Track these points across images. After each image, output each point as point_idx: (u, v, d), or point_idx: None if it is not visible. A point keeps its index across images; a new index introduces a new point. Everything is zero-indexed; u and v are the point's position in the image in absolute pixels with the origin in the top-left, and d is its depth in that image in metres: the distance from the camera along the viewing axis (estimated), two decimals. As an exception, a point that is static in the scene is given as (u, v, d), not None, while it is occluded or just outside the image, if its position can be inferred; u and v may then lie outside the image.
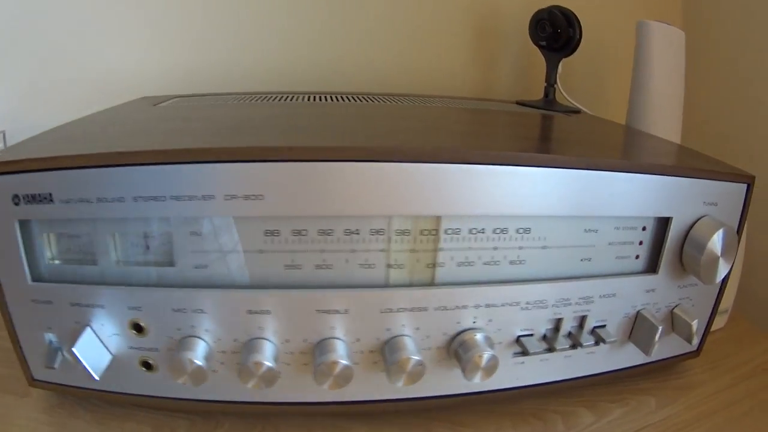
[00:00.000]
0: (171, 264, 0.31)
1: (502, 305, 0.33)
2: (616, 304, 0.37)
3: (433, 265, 0.32)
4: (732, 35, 0.76)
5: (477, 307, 0.33)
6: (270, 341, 0.31)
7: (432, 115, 0.46)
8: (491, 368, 0.32)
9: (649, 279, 0.37)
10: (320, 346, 0.31)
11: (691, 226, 0.37)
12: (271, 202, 0.29)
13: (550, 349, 0.35)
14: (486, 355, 0.32)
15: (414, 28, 0.69)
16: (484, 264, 0.33)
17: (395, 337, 0.32)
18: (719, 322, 0.53)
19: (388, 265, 0.31)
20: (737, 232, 0.41)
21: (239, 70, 0.63)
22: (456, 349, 0.33)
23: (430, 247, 0.31)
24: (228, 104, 0.47)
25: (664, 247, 0.37)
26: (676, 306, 0.40)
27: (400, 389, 0.32)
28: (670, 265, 0.38)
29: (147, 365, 0.33)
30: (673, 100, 0.59)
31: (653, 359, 0.42)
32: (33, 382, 0.34)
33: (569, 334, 0.36)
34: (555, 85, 0.63)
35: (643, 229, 0.37)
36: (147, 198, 0.29)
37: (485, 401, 0.36)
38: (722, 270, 0.38)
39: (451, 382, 0.34)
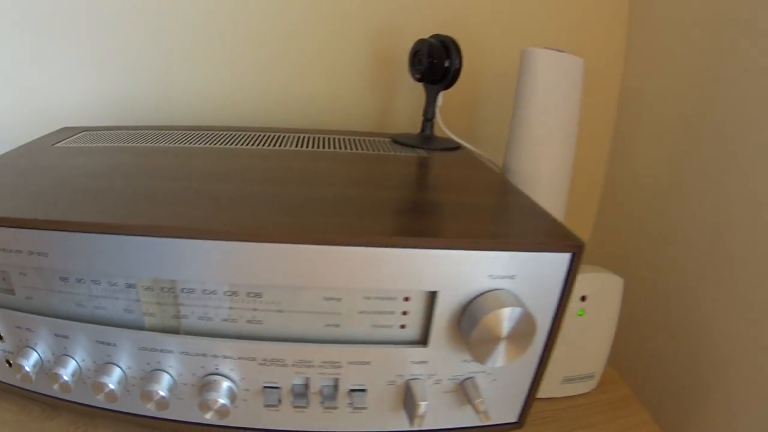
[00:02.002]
0: (12, 293, 0.41)
1: (240, 359, 0.37)
2: (375, 372, 0.37)
3: (178, 317, 0.37)
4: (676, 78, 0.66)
5: (216, 356, 0.37)
6: (74, 359, 0.40)
7: (247, 164, 0.48)
8: (222, 413, 0.36)
9: (419, 351, 0.37)
10: (101, 369, 0.39)
11: (474, 299, 0.36)
12: (53, 259, 0.36)
13: (294, 404, 0.38)
14: (220, 401, 0.36)
15: (310, 59, 0.69)
16: (222, 320, 0.37)
17: (154, 370, 0.38)
18: (584, 387, 0.48)
19: (143, 313, 0.38)
20: (560, 304, 0.38)
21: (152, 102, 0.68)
22: (201, 387, 0.38)
23: (171, 301, 0.37)
24: (109, 148, 0.53)
25: (432, 320, 0.36)
26: (466, 379, 0.39)
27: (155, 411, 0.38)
28: (448, 339, 0.37)
29: (9, 363, 0.44)
30: (560, 135, 0.52)
31: (458, 426, 0.41)
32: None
33: (321, 392, 0.38)
34: (433, 120, 0.59)
35: (406, 299, 0.37)
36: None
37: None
38: (502, 353, 0.36)
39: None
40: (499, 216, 0.40)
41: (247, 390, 0.38)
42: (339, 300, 0.36)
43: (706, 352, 0.61)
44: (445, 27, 0.66)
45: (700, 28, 0.64)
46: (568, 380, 0.47)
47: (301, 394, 0.38)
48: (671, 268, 0.68)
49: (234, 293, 0.36)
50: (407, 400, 0.38)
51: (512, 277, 0.36)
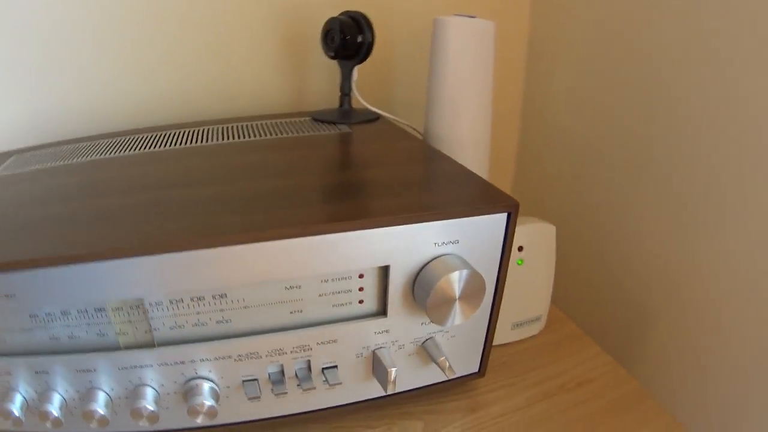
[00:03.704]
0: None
1: (216, 359, 0.39)
2: (342, 348, 0.40)
3: (150, 331, 0.39)
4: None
5: (193, 361, 0.39)
6: (58, 393, 0.41)
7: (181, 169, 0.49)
8: (211, 414, 0.39)
9: (380, 322, 0.41)
10: (86, 396, 0.41)
11: (423, 267, 0.40)
12: (20, 300, 0.37)
13: (274, 391, 0.41)
14: (207, 404, 0.39)
15: (215, 43, 0.68)
16: (193, 326, 0.39)
17: (138, 386, 0.40)
18: (533, 330, 0.53)
19: (117, 333, 0.40)
20: (503, 259, 0.42)
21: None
22: (185, 394, 0.40)
23: (142, 317, 0.39)
24: (43, 170, 0.52)
25: (387, 292, 0.40)
26: (427, 340, 0.43)
27: (148, 426, 0.41)
28: (405, 307, 0.41)
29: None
30: (477, 97, 0.55)
31: (426, 384, 0.45)
32: None
33: (296, 376, 0.41)
34: (350, 94, 0.62)
35: (360, 276, 0.40)
36: None
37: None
38: (459, 313, 0.39)
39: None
40: (436, 186, 0.43)
41: (228, 387, 0.40)
42: (299, 287, 0.39)
43: (638, 279, 0.67)
44: (348, 2, 0.68)
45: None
46: (517, 326, 0.52)
47: (279, 381, 0.40)
48: (591, 209, 0.74)
49: (200, 299, 0.38)
50: (376, 368, 0.42)
51: (456, 242, 0.40)
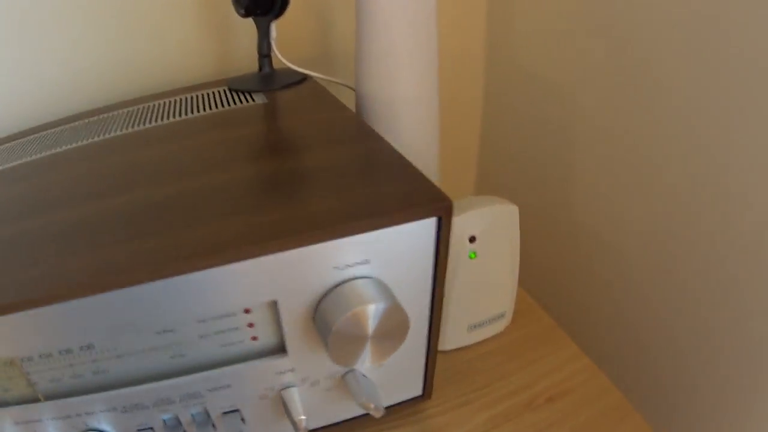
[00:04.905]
0: None
1: (102, 411, 0.35)
2: (240, 392, 0.35)
3: (31, 385, 0.35)
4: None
5: (79, 415, 0.35)
6: None
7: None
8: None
9: (280, 361, 0.34)
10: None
11: (324, 297, 0.33)
12: None
13: (173, 441, 0.36)
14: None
15: (127, 14, 0.60)
16: (71, 378, 0.35)
17: (40, 440, 0.37)
18: (497, 328, 0.43)
19: (2, 389, 0.36)
20: (437, 270, 0.34)
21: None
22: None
23: (17, 373, 0.35)
24: None
25: (282, 328, 0.33)
26: (347, 373, 0.36)
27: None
28: (309, 341, 0.34)
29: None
30: (416, 46, 0.43)
31: (357, 414, 0.39)
32: None
33: (194, 420, 0.36)
34: (270, 55, 0.52)
35: (247, 311, 0.33)
36: None
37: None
38: (371, 355, 0.32)
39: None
40: (341, 183, 0.35)
41: (126, 437, 0.36)
42: (171, 331, 0.33)
43: (620, 264, 0.55)
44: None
45: None
46: (474, 327, 0.43)
47: (176, 426, 0.36)
48: (570, 180, 0.61)
49: (68, 351, 0.34)
50: (287, 411, 0.36)
51: (366, 262, 0.32)
